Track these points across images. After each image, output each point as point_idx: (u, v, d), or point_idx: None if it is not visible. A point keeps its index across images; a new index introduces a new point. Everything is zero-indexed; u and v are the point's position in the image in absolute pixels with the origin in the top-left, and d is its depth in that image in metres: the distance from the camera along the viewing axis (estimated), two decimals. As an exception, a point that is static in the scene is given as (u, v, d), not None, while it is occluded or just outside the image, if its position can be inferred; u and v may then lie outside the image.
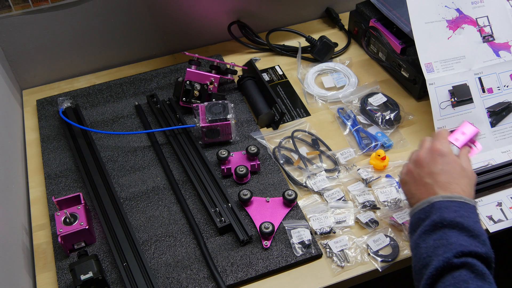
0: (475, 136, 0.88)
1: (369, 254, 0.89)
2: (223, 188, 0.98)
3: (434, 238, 0.72)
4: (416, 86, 1.15)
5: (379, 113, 1.10)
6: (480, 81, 1.06)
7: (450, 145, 0.83)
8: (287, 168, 1.04)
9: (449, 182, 0.77)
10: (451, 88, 1.05)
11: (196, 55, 1.15)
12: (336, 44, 1.30)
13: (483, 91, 1.06)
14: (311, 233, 0.92)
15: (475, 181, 0.81)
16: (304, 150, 1.08)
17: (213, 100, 1.10)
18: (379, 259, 0.89)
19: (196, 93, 1.11)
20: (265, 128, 1.13)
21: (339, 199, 0.97)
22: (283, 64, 1.28)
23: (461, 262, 0.68)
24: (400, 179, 0.85)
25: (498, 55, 1.07)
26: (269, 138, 1.09)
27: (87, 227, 0.89)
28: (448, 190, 0.76)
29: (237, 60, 1.28)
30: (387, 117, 1.10)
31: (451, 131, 0.88)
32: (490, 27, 1.08)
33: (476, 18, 1.08)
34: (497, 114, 1.07)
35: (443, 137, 0.84)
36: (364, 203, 0.96)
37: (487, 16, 1.08)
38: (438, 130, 0.87)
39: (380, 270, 0.88)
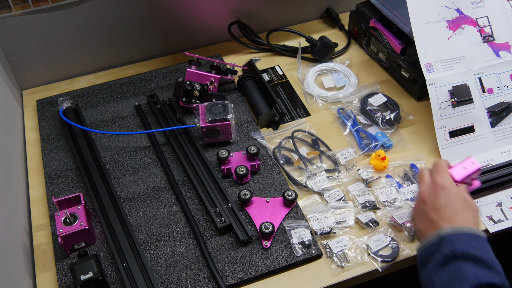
0: (476, 173, 0.87)
1: (369, 254, 0.89)
2: (223, 188, 0.98)
3: (447, 271, 0.71)
4: (416, 86, 1.15)
5: (379, 113, 1.10)
6: (480, 81, 1.06)
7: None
8: (287, 168, 1.04)
9: (453, 215, 0.77)
10: (451, 88, 1.05)
11: (196, 55, 1.15)
12: (336, 44, 1.30)
13: (483, 91, 1.06)
14: (311, 233, 0.92)
15: (478, 214, 0.81)
16: (304, 150, 1.08)
17: (213, 100, 1.10)
18: (379, 259, 0.89)
19: (196, 93, 1.11)
20: (265, 128, 1.13)
21: (339, 199, 0.97)
22: (283, 64, 1.28)
23: None
24: (411, 217, 0.85)
25: (498, 55, 1.07)
26: (269, 138, 1.09)
27: (87, 227, 0.89)
28: (454, 222, 0.76)
29: (237, 60, 1.28)
30: (387, 117, 1.10)
31: (452, 165, 0.87)
32: (490, 27, 1.08)
33: (476, 18, 1.08)
34: (497, 114, 1.07)
35: (443, 169, 0.83)
36: (364, 203, 0.96)
37: (487, 16, 1.08)
38: (437, 161, 0.85)
39: (380, 270, 0.88)
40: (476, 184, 0.88)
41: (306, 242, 0.90)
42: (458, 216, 0.77)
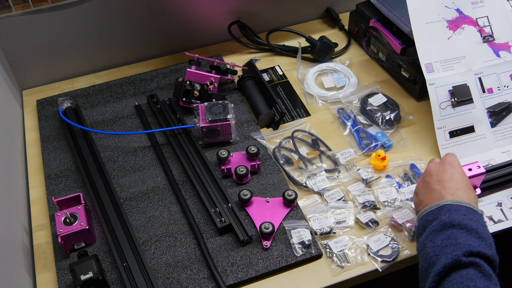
0: (480, 178, 0.89)
1: (369, 254, 0.89)
2: (223, 188, 0.98)
3: (442, 238, 0.72)
4: (416, 86, 1.15)
5: (379, 113, 1.10)
6: (480, 81, 1.06)
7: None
8: (287, 168, 1.04)
9: (456, 189, 0.79)
10: (451, 88, 1.05)
11: (196, 55, 1.15)
12: (336, 44, 1.30)
13: (483, 91, 1.06)
14: (311, 233, 0.92)
15: (477, 200, 0.83)
16: (304, 150, 1.08)
17: (213, 100, 1.10)
18: (379, 259, 0.89)
19: (196, 93, 1.11)
20: (265, 128, 1.13)
21: (339, 199, 0.97)
22: (283, 64, 1.28)
23: (469, 261, 0.68)
24: (414, 191, 0.87)
25: (498, 55, 1.07)
26: (269, 138, 1.09)
27: (87, 227, 0.89)
28: (456, 196, 0.78)
29: (237, 60, 1.28)
30: (387, 117, 1.10)
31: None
32: (490, 27, 1.08)
33: (476, 18, 1.08)
34: (497, 114, 1.07)
35: (454, 155, 0.85)
36: (364, 203, 0.96)
37: (487, 16, 1.08)
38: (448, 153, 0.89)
39: (380, 270, 0.88)
40: (477, 192, 0.90)
41: (306, 242, 0.90)
42: (461, 191, 0.79)
